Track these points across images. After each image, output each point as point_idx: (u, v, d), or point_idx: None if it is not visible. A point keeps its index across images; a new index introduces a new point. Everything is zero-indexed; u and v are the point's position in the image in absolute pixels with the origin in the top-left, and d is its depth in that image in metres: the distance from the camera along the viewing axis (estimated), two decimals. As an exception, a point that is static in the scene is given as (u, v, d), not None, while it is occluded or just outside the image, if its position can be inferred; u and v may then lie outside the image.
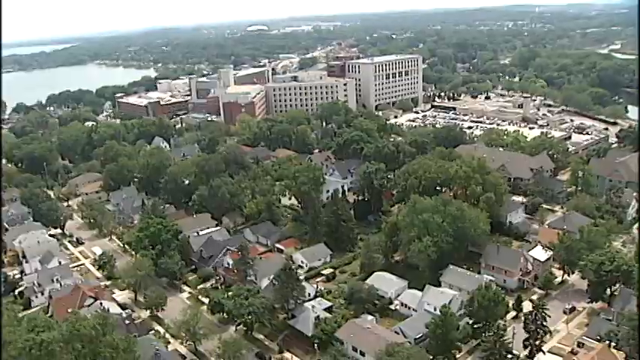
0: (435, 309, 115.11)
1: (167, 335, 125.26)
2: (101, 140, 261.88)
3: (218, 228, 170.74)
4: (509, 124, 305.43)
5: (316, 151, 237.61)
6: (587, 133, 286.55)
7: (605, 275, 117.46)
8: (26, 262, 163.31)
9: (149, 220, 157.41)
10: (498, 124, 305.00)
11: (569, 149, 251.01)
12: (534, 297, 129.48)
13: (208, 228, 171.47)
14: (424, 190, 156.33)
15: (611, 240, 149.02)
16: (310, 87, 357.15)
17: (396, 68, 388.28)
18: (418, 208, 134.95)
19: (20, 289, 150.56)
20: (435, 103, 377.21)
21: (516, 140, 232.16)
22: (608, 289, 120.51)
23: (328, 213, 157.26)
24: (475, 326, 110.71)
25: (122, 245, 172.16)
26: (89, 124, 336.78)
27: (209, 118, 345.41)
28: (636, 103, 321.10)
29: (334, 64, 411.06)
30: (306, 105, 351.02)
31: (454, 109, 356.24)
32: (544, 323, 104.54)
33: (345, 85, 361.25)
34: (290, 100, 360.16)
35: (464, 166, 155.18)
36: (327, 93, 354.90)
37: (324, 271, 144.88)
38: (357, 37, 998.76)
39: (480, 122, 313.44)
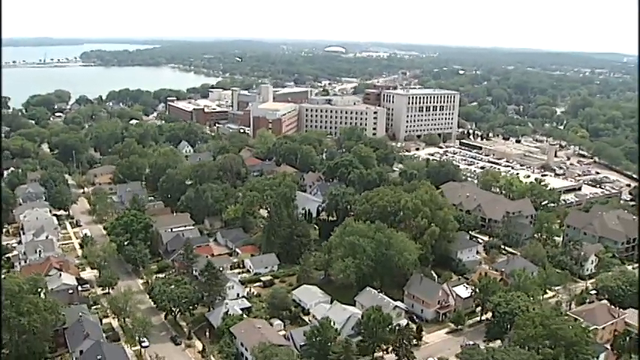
0: (333, 323, 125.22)
1: (108, 311, 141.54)
2: (130, 137, 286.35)
3: (191, 227, 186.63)
4: (526, 169, 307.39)
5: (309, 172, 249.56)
6: (601, 187, 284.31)
7: (500, 316, 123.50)
8: (23, 234, 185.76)
9: (127, 211, 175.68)
10: (513, 167, 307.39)
11: (572, 200, 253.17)
12: (444, 330, 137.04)
13: (185, 226, 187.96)
14: (375, 215, 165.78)
15: (547, 289, 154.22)
16: (340, 111, 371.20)
17: (430, 102, 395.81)
18: (348, 230, 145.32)
19: (10, 255, 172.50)
20: (464, 141, 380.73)
21: (509, 184, 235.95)
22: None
23: (284, 227, 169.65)
24: (362, 343, 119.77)
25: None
26: (133, 122, 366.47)
27: (241, 130, 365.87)
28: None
29: (370, 91, 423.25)
30: (334, 127, 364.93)
31: (480, 148, 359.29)
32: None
33: (375, 113, 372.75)
34: (320, 122, 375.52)
35: (414, 199, 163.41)
36: (355, 118, 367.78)
37: (262, 278, 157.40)
38: (425, 68, 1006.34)
39: (497, 164, 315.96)
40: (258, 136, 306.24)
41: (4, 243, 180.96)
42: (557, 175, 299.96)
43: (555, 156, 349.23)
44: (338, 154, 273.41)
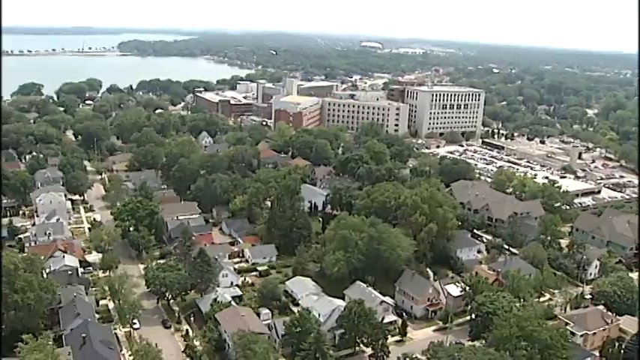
0: (319, 315, 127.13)
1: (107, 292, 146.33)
2: (151, 126, 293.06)
3: (196, 216, 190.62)
4: (546, 170, 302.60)
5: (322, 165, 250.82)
6: (622, 191, 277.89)
7: (483, 316, 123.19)
8: (37, 216, 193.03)
9: (134, 197, 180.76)
10: (532, 168, 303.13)
11: (589, 203, 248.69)
12: (432, 328, 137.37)
13: (191, 215, 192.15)
14: (375, 211, 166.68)
15: (543, 291, 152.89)
16: (362, 106, 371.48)
17: (454, 100, 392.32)
18: (342, 224, 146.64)
19: (22, 236, 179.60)
20: (486, 140, 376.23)
21: (521, 184, 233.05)
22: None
23: (285, 219, 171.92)
24: (344, 336, 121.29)
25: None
26: (159, 111, 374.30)
27: (263, 122, 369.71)
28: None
29: (394, 88, 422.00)
30: (357, 122, 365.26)
31: (502, 148, 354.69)
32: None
33: (397, 109, 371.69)
34: (342, 116, 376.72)
35: (413, 196, 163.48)
36: (377, 114, 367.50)
37: (259, 268, 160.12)
38: (460, 66, 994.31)
39: (517, 164, 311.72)
40: (277, 128, 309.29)
41: (19, 224, 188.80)
42: (577, 177, 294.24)
43: (580, 158, 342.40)
44: (354, 149, 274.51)
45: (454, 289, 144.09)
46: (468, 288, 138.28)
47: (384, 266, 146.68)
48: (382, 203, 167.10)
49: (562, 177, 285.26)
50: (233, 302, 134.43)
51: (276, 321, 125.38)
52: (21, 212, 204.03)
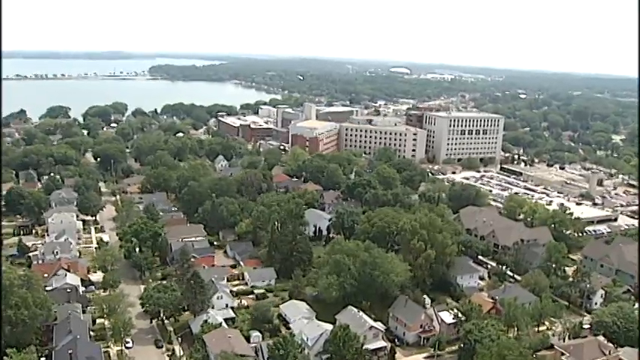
0: (307, 339, 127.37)
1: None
2: (168, 150, 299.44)
3: (201, 238, 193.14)
4: (563, 197, 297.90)
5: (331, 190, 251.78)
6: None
7: (469, 343, 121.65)
8: (47, 235, 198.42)
9: (139, 219, 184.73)
10: (548, 195, 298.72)
11: (603, 231, 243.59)
12: (423, 355, 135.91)
13: (196, 237, 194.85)
14: (375, 235, 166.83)
15: (542, 319, 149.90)
16: (379, 131, 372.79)
17: (473, 125, 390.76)
18: (336, 248, 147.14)
19: (30, 254, 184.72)
20: (505, 166, 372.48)
21: (532, 211, 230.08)
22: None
23: (286, 243, 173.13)
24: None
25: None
26: (179, 134, 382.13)
27: (281, 147, 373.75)
28: None
29: (412, 113, 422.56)
30: (374, 147, 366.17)
31: (520, 174, 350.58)
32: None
33: (414, 134, 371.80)
34: (359, 141, 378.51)
35: (412, 221, 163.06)
36: (394, 139, 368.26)
37: (256, 291, 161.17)
38: (487, 91, 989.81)
39: (532, 190, 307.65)
40: (291, 153, 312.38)
41: (30, 243, 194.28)
42: (595, 204, 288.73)
43: (600, 185, 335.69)
44: (366, 174, 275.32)
45: (447, 317, 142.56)
46: (460, 315, 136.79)
47: (378, 291, 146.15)
48: (382, 228, 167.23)
49: (578, 204, 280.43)
50: (224, 324, 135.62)
51: (263, 344, 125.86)
52: (34, 231, 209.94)
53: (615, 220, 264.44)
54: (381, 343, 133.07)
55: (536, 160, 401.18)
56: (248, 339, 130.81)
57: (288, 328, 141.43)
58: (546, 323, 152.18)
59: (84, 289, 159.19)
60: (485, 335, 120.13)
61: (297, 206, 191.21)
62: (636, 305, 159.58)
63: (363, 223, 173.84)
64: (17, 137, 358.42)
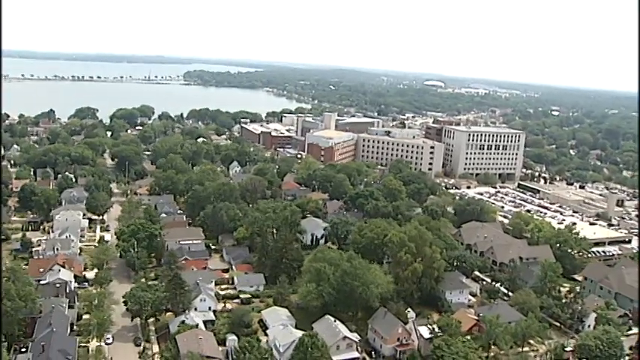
0: (279, 345, 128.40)
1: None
2: (183, 154, 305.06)
3: (198, 242, 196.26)
4: (577, 217, 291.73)
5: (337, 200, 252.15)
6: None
7: (437, 359, 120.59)
8: (52, 232, 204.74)
9: (137, 219, 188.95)
10: (562, 214, 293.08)
11: (613, 252, 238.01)
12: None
13: (194, 240, 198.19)
14: (365, 246, 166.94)
15: (526, 339, 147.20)
16: (396, 143, 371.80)
17: (492, 140, 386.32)
18: (318, 256, 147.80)
19: (34, 249, 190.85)
20: (522, 182, 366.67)
21: (537, 228, 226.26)
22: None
23: (276, 250, 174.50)
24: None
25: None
26: (200, 140, 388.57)
27: (298, 155, 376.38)
28: None
29: (432, 126, 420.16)
30: (391, 159, 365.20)
31: (538, 191, 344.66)
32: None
33: (432, 147, 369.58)
34: (376, 153, 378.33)
35: (400, 234, 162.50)
36: (411, 152, 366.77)
37: (242, 295, 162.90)
38: (519, 107, 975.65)
39: (546, 208, 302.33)
40: (303, 161, 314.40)
41: (36, 239, 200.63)
42: (610, 225, 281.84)
43: (621, 205, 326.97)
44: (375, 185, 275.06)
45: (426, 331, 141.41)
46: (437, 330, 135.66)
47: (358, 302, 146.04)
48: (370, 239, 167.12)
49: (592, 224, 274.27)
50: (202, 325, 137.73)
51: (236, 347, 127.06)
52: (42, 227, 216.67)
53: (629, 241, 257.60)
54: (354, 354, 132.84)
55: (558, 178, 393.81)
56: (223, 342, 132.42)
57: (267, 335, 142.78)
58: (532, 343, 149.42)
59: (77, 285, 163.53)
60: (454, 352, 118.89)
61: (293, 214, 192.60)
62: (628, 331, 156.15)
63: (355, 233, 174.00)
64: (43, 136, 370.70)
